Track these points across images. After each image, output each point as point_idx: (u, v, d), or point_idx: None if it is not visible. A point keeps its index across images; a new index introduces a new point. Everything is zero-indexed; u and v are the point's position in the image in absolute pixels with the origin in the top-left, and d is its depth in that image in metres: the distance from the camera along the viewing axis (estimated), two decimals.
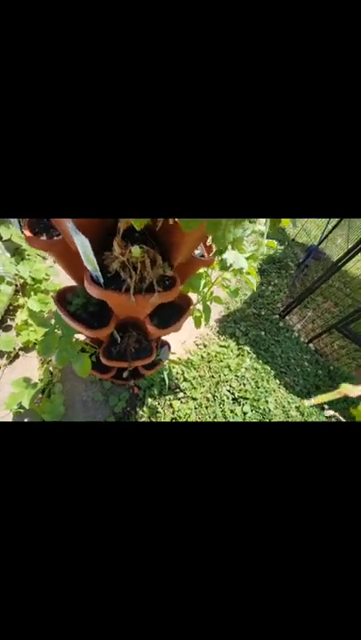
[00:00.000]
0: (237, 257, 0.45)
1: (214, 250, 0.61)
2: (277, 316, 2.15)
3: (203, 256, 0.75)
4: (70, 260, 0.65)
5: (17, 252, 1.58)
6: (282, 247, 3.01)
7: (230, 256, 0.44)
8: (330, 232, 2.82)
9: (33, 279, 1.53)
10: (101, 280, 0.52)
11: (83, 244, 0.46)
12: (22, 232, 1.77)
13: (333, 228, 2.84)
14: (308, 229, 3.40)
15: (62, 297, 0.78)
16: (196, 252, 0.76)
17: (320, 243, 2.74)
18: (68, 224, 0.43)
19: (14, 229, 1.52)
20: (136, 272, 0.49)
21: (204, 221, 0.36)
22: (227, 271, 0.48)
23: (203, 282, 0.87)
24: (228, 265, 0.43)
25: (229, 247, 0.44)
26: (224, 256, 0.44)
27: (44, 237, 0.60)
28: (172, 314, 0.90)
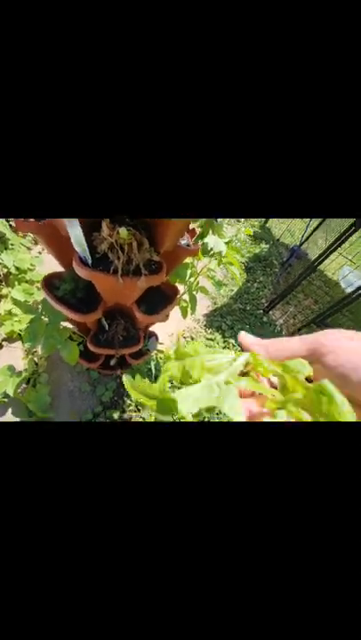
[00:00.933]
0: (217, 241, 0.49)
1: (197, 234, 0.66)
2: (261, 312, 2.25)
3: (188, 245, 0.79)
4: (59, 243, 0.66)
5: (0, 241, 1.53)
6: (267, 246, 3.13)
7: (211, 240, 0.48)
8: (310, 234, 2.99)
9: (17, 269, 1.49)
10: (90, 261, 0.54)
11: (72, 227, 0.48)
12: (6, 220, 1.71)
13: (314, 230, 3.00)
14: (292, 230, 3.56)
15: (49, 282, 0.78)
16: (183, 241, 0.80)
17: (301, 244, 2.89)
18: None
19: None
20: (124, 253, 0.52)
21: None
22: (208, 255, 0.52)
23: (189, 272, 0.91)
24: (209, 249, 0.47)
25: (210, 232, 0.48)
26: (205, 240, 0.48)
27: (32, 220, 0.61)
28: (159, 301, 0.93)
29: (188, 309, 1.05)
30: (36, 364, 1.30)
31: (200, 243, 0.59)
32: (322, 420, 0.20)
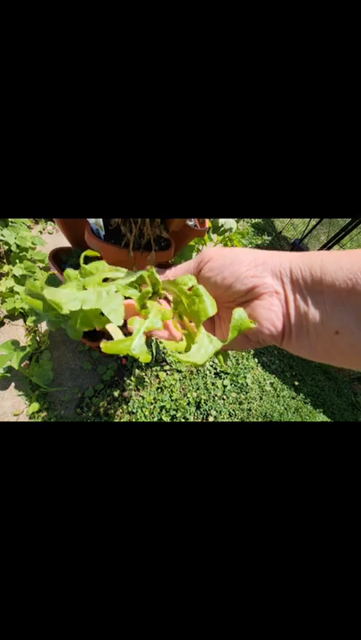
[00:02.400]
0: (228, 219, 0.51)
1: None
2: None
3: (195, 226, 0.80)
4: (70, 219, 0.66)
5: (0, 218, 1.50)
6: (269, 238, 3.12)
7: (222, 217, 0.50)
8: (312, 229, 2.99)
9: (18, 247, 1.47)
10: (102, 233, 0.55)
11: None
12: None
13: (315, 225, 3.00)
14: (295, 224, 3.55)
15: (57, 256, 0.79)
16: (190, 222, 0.81)
17: (303, 238, 2.90)
18: None
19: None
20: (136, 227, 0.53)
21: None
22: (218, 233, 0.54)
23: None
24: (220, 225, 0.49)
25: None
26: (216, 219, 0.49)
27: None
28: None
29: None
30: (39, 342, 1.32)
31: (210, 221, 0.61)
32: (193, 321, 0.21)
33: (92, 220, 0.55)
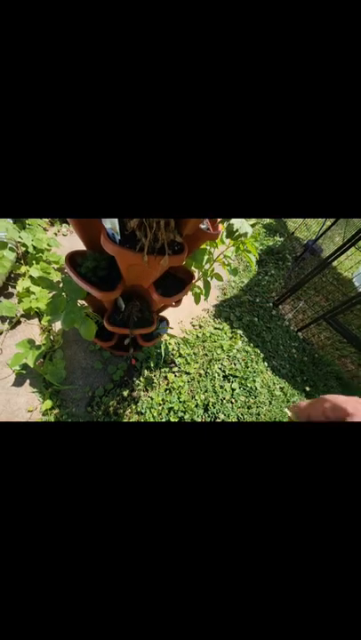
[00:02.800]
0: (243, 222, 0.50)
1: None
2: (271, 305, 2.25)
3: (208, 230, 0.80)
4: (85, 221, 0.68)
5: (18, 220, 1.56)
6: (281, 239, 3.06)
7: (237, 221, 0.49)
8: (327, 229, 2.89)
9: (35, 248, 1.53)
10: (118, 237, 0.56)
11: None
12: None
13: (331, 225, 2.90)
14: (308, 225, 3.45)
15: (73, 259, 0.82)
16: (202, 226, 0.81)
17: (317, 239, 2.81)
18: None
19: None
20: (151, 231, 0.54)
21: None
22: (233, 238, 0.54)
23: (205, 257, 0.93)
24: (235, 230, 0.48)
25: None
26: (231, 221, 0.49)
27: None
28: (175, 286, 0.95)
29: (202, 295, 1.07)
30: (52, 340, 1.36)
31: (225, 224, 0.60)
32: None
33: (108, 225, 0.56)
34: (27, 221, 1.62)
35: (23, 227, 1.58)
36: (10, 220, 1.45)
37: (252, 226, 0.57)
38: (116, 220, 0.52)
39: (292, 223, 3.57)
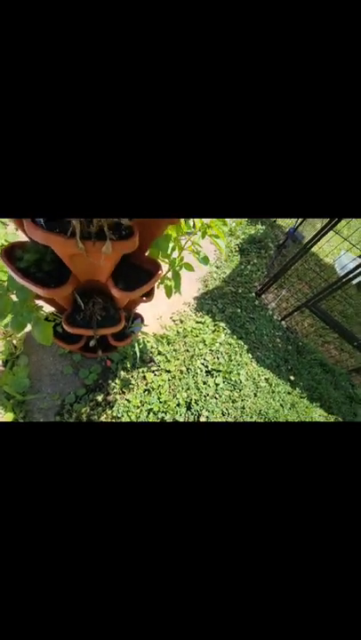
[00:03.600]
0: None
1: None
2: (254, 295, 2.20)
3: None
4: None
5: None
6: (263, 227, 3.00)
7: None
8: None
9: None
10: (42, 221, 0.46)
11: None
12: None
13: None
14: None
15: (10, 253, 0.70)
16: None
17: (297, 226, 2.78)
18: None
19: None
20: None
21: None
22: (189, 229, 0.45)
23: (171, 245, 0.83)
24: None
25: None
26: None
27: None
28: (139, 278, 0.85)
29: (173, 288, 0.98)
30: (15, 346, 1.23)
31: None
32: None
33: None
34: None
35: None
36: None
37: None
38: None
39: None
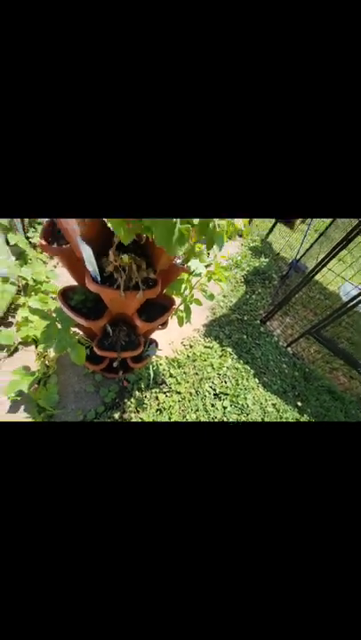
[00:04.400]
0: (198, 264, 0.63)
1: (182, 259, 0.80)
2: (259, 322, 2.35)
3: (183, 264, 0.93)
4: (75, 264, 0.81)
5: (21, 256, 1.73)
6: (266, 260, 3.26)
7: (193, 264, 0.61)
8: (309, 247, 3.12)
9: (34, 280, 1.67)
10: (99, 279, 0.68)
11: (86, 252, 0.62)
12: (26, 238, 1.93)
13: (312, 244, 3.13)
14: (292, 245, 3.70)
15: (64, 294, 0.93)
16: (178, 260, 0.94)
17: (300, 257, 3.02)
18: (76, 237, 0.60)
19: (20, 236, 1.68)
20: (125, 273, 0.65)
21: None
22: (192, 275, 0.65)
23: (184, 286, 1.05)
24: (193, 270, 0.60)
25: (194, 258, 0.61)
26: (189, 264, 0.61)
27: (55, 245, 0.76)
28: (157, 311, 1.06)
29: (184, 318, 1.18)
30: (47, 366, 1.43)
31: (186, 266, 0.73)
32: None
33: (90, 268, 0.68)
34: (28, 257, 1.79)
35: (25, 262, 1.74)
36: (12, 258, 1.61)
37: (207, 266, 0.69)
38: (95, 263, 0.64)
39: (277, 245, 3.83)
